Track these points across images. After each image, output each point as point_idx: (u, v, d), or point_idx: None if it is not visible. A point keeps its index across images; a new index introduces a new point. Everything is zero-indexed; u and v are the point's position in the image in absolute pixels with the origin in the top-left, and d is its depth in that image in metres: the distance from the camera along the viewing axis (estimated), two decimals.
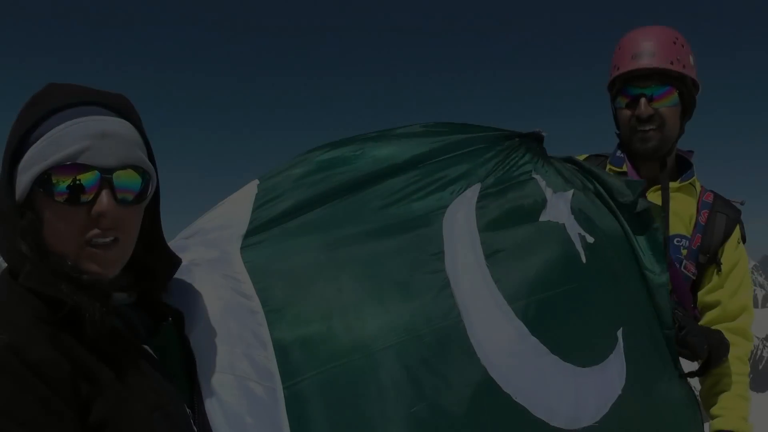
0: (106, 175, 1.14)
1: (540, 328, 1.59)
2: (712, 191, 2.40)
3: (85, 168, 1.13)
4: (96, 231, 1.15)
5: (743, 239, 2.39)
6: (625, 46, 2.29)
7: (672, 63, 2.20)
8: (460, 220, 1.72)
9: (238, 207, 1.63)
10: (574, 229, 1.85)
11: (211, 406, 1.37)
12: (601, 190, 2.00)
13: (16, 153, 1.15)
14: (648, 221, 2.00)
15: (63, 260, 1.13)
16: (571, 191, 1.95)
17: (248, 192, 1.65)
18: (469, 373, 1.48)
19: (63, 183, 1.11)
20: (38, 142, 1.13)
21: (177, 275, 1.49)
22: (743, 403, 2.23)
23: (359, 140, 1.78)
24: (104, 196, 1.14)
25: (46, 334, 1.06)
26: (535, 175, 1.93)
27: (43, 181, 1.12)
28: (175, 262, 1.40)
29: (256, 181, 1.67)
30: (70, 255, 1.14)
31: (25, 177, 1.13)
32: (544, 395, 1.53)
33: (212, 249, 1.57)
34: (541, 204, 1.87)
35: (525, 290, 1.64)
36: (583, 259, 1.79)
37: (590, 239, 1.87)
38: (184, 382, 1.36)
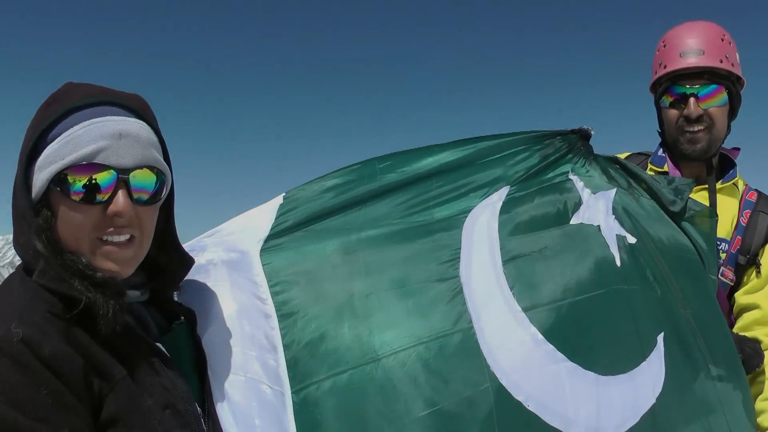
0: (122, 175, 1.15)
1: (558, 335, 1.55)
2: (757, 190, 2.31)
3: (102, 168, 1.14)
4: (111, 229, 1.16)
5: None
6: (671, 43, 2.23)
7: (721, 61, 2.15)
8: (481, 224, 1.69)
9: (262, 213, 1.64)
10: (612, 231, 1.79)
11: (220, 406, 1.38)
12: (643, 191, 1.95)
13: (33, 151, 1.17)
14: (697, 220, 1.95)
15: (77, 258, 1.14)
16: (614, 190, 1.90)
17: (274, 202, 1.66)
18: (479, 380, 1.46)
19: (79, 182, 1.13)
20: (56, 141, 1.15)
21: (194, 274, 1.51)
22: None
23: (388, 156, 1.77)
24: (120, 196, 1.15)
25: (60, 330, 1.08)
26: (572, 176, 1.88)
27: (60, 180, 1.13)
28: (188, 261, 1.41)
29: (283, 194, 1.68)
30: (85, 253, 1.16)
31: (42, 175, 1.15)
32: (559, 403, 1.49)
33: (232, 250, 1.57)
34: (574, 206, 1.82)
35: (543, 296, 1.60)
36: (618, 263, 1.73)
37: (631, 240, 1.81)
38: (195, 380, 1.37)
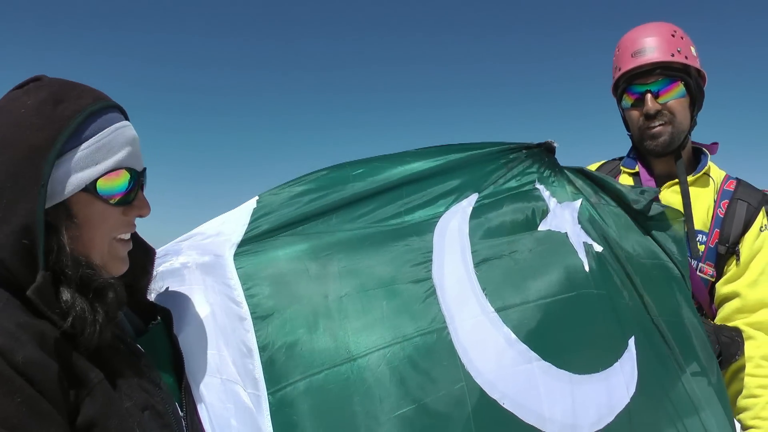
0: (141, 177, 1.25)
1: (531, 335, 1.57)
2: (737, 178, 2.32)
3: (130, 171, 1.22)
4: (125, 228, 1.25)
5: None
6: (624, 45, 2.28)
7: (673, 55, 2.19)
8: (452, 228, 1.71)
9: (236, 217, 1.65)
10: (579, 238, 1.83)
11: (198, 407, 1.39)
12: (610, 199, 1.99)
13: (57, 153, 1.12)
14: (665, 224, 1.98)
15: (94, 271, 1.16)
16: (580, 200, 1.94)
17: (247, 206, 1.68)
18: (454, 379, 1.48)
19: (116, 185, 1.20)
20: (84, 145, 1.15)
21: (168, 278, 1.50)
22: None
23: (361, 162, 1.79)
24: (142, 196, 1.26)
25: (34, 335, 1.05)
26: (538, 185, 1.92)
27: (95, 185, 1.16)
28: (147, 248, 1.42)
29: (256, 197, 1.70)
30: (102, 255, 1.20)
31: (73, 180, 1.13)
32: (533, 401, 1.52)
33: (206, 254, 1.58)
34: (542, 214, 1.85)
35: (515, 298, 1.62)
36: (586, 268, 1.76)
37: (598, 248, 1.84)
38: (172, 381, 1.36)
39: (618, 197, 1.99)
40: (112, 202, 1.19)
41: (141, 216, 1.27)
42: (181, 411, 1.31)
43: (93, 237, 1.18)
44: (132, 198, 1.23)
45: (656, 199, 2.02)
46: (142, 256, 1.39)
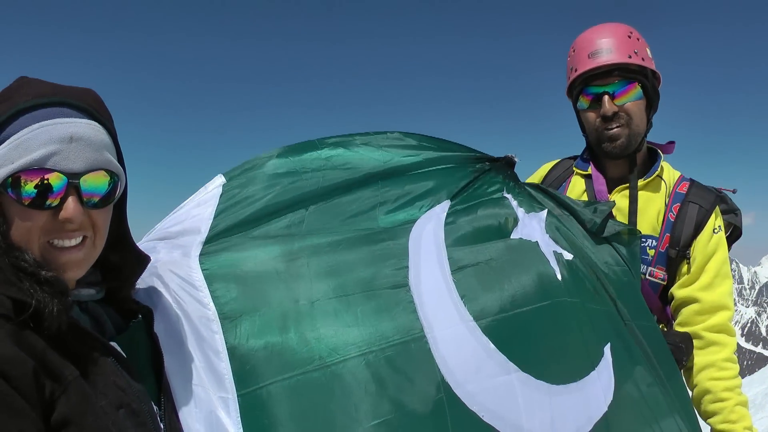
0: (73, 180, 1.14)
1: (509, 345, 1.56)
2: (691, 180, 2.31)
3: (52, 173, 1.12)
4: (61, 233, 1.16)
5: (739, 231, 2.29)
6: (580, 46, 2.26)
7: (630, 57, 2.18)
8: (428, 234, 1.70)
9: (201, 209, 1.61)
10: (549, 247, 1.84)
11: (178, 406, 1.38)
12: (567, 215, 2.01)
13: None
14: (622, 241, 2.01)
15: (25, 255, 1.13)
16: (545, 211, 1.95)
17: (212, 193, 1.62)
18: (432, 389, 1.45)
19: (29, 187, 1.12)
20: (5, 144, 1.13)
21: (144, 276, 1.48)
22: (743, 410, 2.10)
23: (333, 143, 1.75)
24: (70, 202, 1.15)
25: (9, 332, 1.06)
26: (506, 194, 1.93)
27: (9, 184, 1.12)
28: (143, 260, 1.40)
29: (221, 179, 1.64)
30: (35, 254, 1.15)
31: None
32: (512, 413, 1.50)
33: (174, 252, 1.55)
34: (513, 222, 1.86)
35: (493, 307, 1.61)
36: (559, 277, 1.76)
37: (568, 256, 1.85)
38: (151, 378, 1.36)
39: (573, 214, 2.00)
40: (25, 203, 1.13)
41: (65, 224, 1.15)
42: (159, 410, 1.31)
43: (18, 237, 1.14)
44: (48, 203, 1.13)
45: (611, 216, 2.04)
46: (134, 264, 1.37)
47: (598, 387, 1.67)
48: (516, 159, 2.01)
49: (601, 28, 2.27)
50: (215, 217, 1.58)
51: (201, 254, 1.53)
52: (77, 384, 1.11)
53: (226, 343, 1.42)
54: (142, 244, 1.59)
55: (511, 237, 1.82)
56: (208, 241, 1.55)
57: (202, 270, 1.50)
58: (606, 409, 1.65)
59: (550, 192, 2.06)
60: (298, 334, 1.45)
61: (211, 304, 1.46)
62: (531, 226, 1.87)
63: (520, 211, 1.90)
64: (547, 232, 1.88)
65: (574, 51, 2.28)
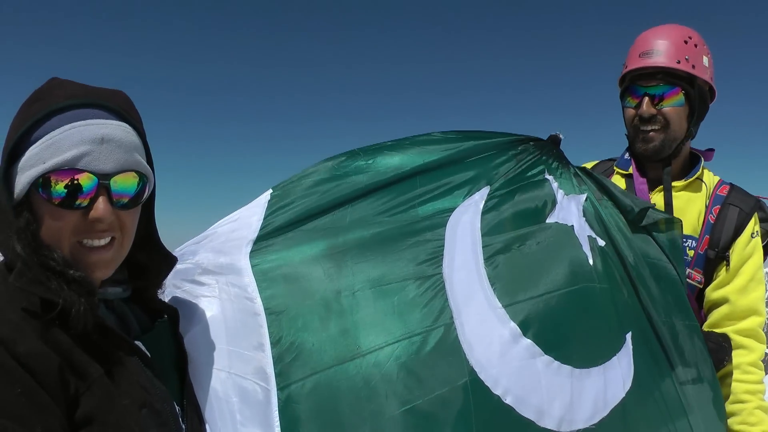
0: (103, 180, 1.16)
1: (535, 330, 1.59)
2: (730, 184, 2.29)
3: (82, 173, 1.14)
4: (91, 233, 1.17)
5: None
6: (637, 44, 2.25)
7: (679, 62, 2.14)
8: (464, 222, 1.73)
9: (251, 213, 1.67)
10: (584, 232, 1.85)
11: (202, 402, 1.40)
12: (611, 203, 1.99)
13: (15, 150, 1.17)
14: (662, 230, 1.98)
15: (54, 254, 1.14)
16: (585, 195, 1.95)
17: (262, 200, 1.69)
18: (457, 374, 1.49)
19: (60, 187, 1.13)
20: (37, 143, 1.15)
21: (181, 276, 1.51)
22: (762, 415, 2.08)
23: (374, 149, 1.80)
24: (101, 202, 1.16)
25: (36, 328, 1.08)
26: (548, 176, 1.93)
27: (42, 183, 1.14)
28: (170, 260, 1.41)
29: (270, 190, 1.71)
30: (65, 253, 1.16)
31: (23, 177, 1.15)
32: (535, 396, 1.53)
33: (221, 253, 1.60)
34: (551, 206, 1.86)
35: (522, 292, 1.64)
36: (590, 261, 1.78)
37: (602, 242, 1.86)
38: (175, 379, 1.38)
39: (614, 203, 1.99)
40: (55, 203, 1.14)
41: (95, 224, 1.17)
42: (181, 410, 1.32)
43: (49, 236, 1.16)
44: (77, 203, 1.15)
45: (651, 206, 2.01)
46: (161, 263, 1.40)
47: (618, 372, 1.69)
48: (561, 136, 2.00)
49: (661, 29, 2.25)
50: (265, 218, 1.64)
51: (252, 251, 1.58)
52: (101, 382, 1.13)
53: (270, 337, 1.46)
54: (184, 248, 1.65)
55: (547, 221, 1.83)
56: (259, 239, 1.60)
57: (252, 266, 1.55)
58: (624, 395, 1.66)
59: (593, 175, 2.05)
60: (337, 326, 1.50)
61: (258, 298, 1.50)
62: (569, 209, 1.88)
63: (560, 193, 1.90)
64: (583, 216, 1.88)
65: (632, 47, 2.28)
